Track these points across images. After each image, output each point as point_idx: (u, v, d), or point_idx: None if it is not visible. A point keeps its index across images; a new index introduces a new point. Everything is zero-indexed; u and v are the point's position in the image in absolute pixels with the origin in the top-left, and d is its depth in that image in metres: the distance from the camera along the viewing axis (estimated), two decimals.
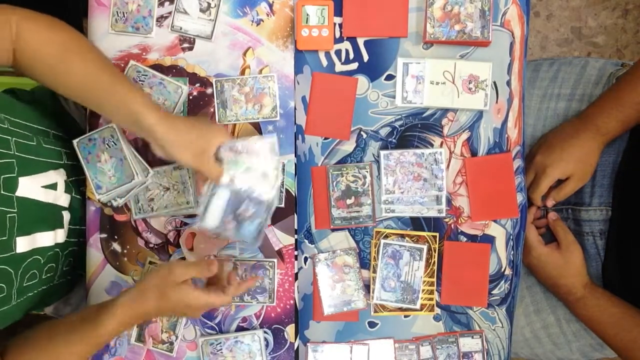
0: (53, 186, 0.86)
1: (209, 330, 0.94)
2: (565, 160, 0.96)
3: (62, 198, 0.88)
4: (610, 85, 1.01)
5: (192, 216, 0.93)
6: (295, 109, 0.94)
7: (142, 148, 0.93)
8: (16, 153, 0.79)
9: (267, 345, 0.94)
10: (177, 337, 0.93)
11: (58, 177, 0.88)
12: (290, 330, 0.94)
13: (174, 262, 0.91)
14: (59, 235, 0.88)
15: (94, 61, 0.81)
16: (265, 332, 0.94)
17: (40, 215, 0.84)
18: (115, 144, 0.89)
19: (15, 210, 0.78)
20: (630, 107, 0.92)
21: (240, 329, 0.94)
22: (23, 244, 0.80)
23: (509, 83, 0.94)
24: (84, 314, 0.82)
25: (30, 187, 0.81)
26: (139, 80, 0.92)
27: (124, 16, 0.92)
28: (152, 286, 0.79)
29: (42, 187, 0.84)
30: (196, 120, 0.86)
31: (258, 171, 0.86)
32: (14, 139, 0.79)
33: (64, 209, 0.90)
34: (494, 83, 0.93)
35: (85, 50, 0.81)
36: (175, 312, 0.82)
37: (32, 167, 0.82)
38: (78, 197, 0.93)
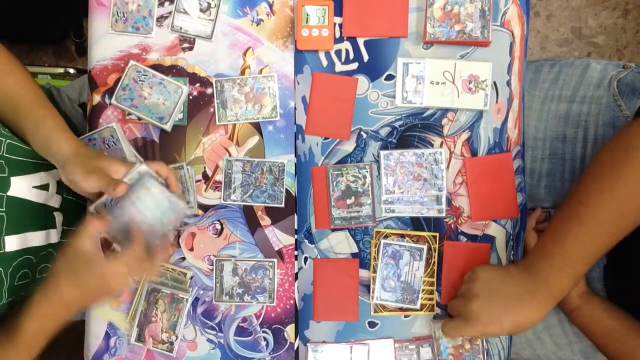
0: (45, 187, 0.87)
1: (209, 330, 0.94)
2: (502, 324, 0.82)
3: (53, 199, 0.89)
4: (612, 88, 1.01)
5: (193, 216, 0.93)
6: (295, 109, 0.94)
7: (142, 148, 0.93)
8: (5, 154, 0.80)
9: (267, 346, 0.94)
10: (177, 337, 0.93)
11: (50, 178, 0.88)
12: (290, 330, 0.94)
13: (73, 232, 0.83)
14: (51, 236, 0.89)
15: (18, 79, 0.82)
16: (264, 331, 0.94)
17: (31, 215, 0.85)
18: (115, 144, 0.89)
19: (4, 209, 0.79)
20: (580, 263, 0.79)
21: (240, 329, 0.94)
22: (12, 243, 0.80)
23: (509, 83, 0.94)
24: (9, 322, 0.78)
25: (22, 187, 0.82)
26: (139, 80, 0.92)
27: (124, 16, 0.92)
28: (60, 267, 0.76)
29: (34, 187, 0.84)
30: (102, 153, 0.85)
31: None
32: (6, 140, 0.80)
33: (56, 209, 0.90)
34: (494, 83, 0.93)
35: (9, 70, 0.82)
36: (97, 290, 0.78)
37: (23, 168, 0.83)
38: (71, 198, 0.93)
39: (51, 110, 0.84)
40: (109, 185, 0.78)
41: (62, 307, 0.77)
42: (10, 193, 0.79)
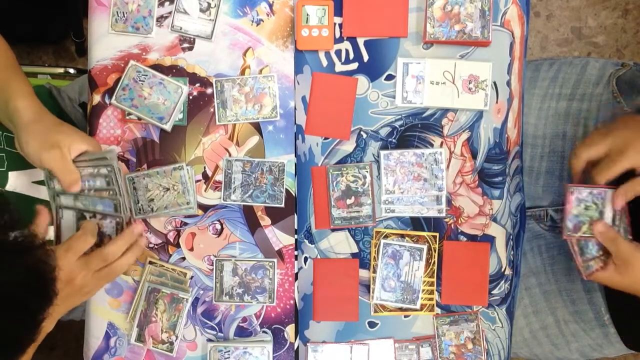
0: (44, 182, 0.86)
1: (209, 330, 0.94)
2: None
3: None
4: (611, 85, 1.01)
5: (192, 216, 0.93)
6: (295, 109, 0.94)
7: (142, 148, 0.93)
8: (6, 148, 0.79)
9: None
10: (177, 337, 0.93)
11: None
12: (290, 330, 0.94)
13: None
14: (50, 232, 0.88)
15: None
16: (264, 331, 0.94)
17: (30, 210, 0.84)
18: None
19: None
20: None
21: (240, 329, 0.94)
22: None
23: (509, 83, 0.94)
24: None
25: (20, 182, 0.81)
26: (139, 81, 0.92)
27: (124, 16, 0.92)
28: None
29: (33, 182, 0.84)
30: (66, 124, 0.79)
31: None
32: (4, 133, 0.79)
33: None
34: (494, 83, 0.93)
35: None
36: (63, 297, 0.74)
37: (23, 163, 0.82)
38: None
39: (18, 74, 0.79)
40: (64, 176, 0.74)
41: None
42: (7, 188, 0.78)
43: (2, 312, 0.50)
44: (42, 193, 0.86)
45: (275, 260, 0.93)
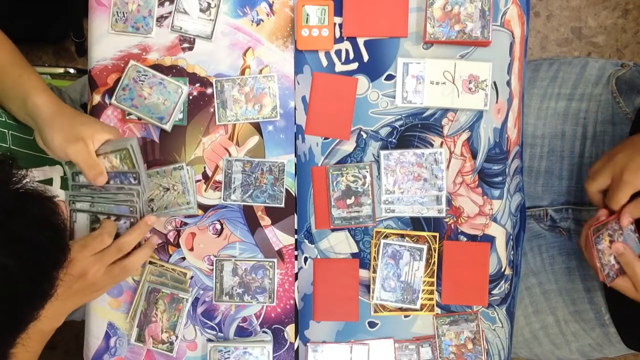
0: (49, 182, 0.86)
1: (209, 330, 0.94)
2: None
3: (57, 194, 0.88)
4: (610, 85, 1.01)
5: (192, 216, 0.93)
6: (295, 109, 0.94)
7: (142, 148, 0.93)
8: (12, 147, 0.79)
9: None
10: (177, 337, 0.93)
11: (54, 173, 0.88)
12: (290, 330, 0.94)
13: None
14: None
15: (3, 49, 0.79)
16: (264, 331, 0.94)
17: None
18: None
19: None
20: None
21: (240, 329, 0.94)
22: None
23: (509, 83, 0.94)
24: None
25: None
26: (139, 81, 0.92)
27: (124, 16, 0.92)
28: None
29: (38, 181, 0.84)
30: (86, 115, 0.81)
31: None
32: (10, 132, 0.79)
33: None
34: (494, 83, 0.93)
35: None
36: (74, 291, 0.76)
37: (27, 161, 0.82)
38: None
39: (29, 69, 0.80)
40: (89, 169, 0.75)
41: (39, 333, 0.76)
42: None
43: (24, 255, 0.51)
44: (48, 192, 0.86)
45: (275, 260, 0.93)
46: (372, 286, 0.94)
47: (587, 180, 0.89)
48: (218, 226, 0.94)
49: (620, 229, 0.85)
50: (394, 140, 0.94)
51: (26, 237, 0.52)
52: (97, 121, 0.82)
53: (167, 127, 0.92)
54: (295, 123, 0.94)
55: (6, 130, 0.79)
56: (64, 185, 0.90)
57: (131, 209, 0.80)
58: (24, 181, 0.54)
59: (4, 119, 0.79)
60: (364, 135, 0.94)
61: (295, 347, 0.95)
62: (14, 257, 0.50)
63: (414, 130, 0.94)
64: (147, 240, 0.90)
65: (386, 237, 0.94)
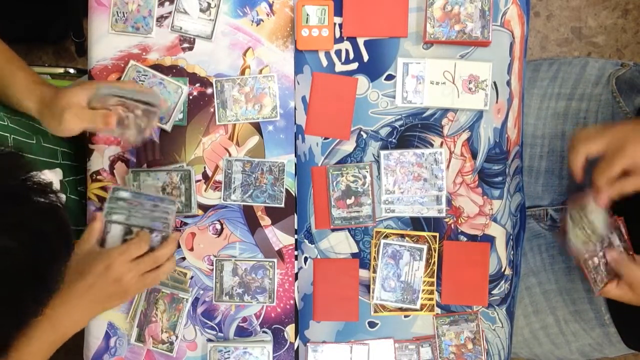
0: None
1: (209, 330, 0.94)
2: None
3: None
4: (610, 85, 1.01)
5: (192, 216, 0.93)
6: (295, 109, 0.94)
7: (142, 148, 0.93)
8: (13, 151, 0.79)
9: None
10: (177, 337, 0.93)
11: (53, 176, 0.88)
12: (290, 330, 0.94)
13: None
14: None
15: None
16: (264, 331, 0.94)
17: None
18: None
19: None
20: None
21: (240, 329, 0.94)
22: None
23: (509, 83, 0.94)
24: None
25: None
26: (139, 81, 0.92)
27: (124, 16, 0.92)
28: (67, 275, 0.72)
29: None
30: (62, 89, 0.83)
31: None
32: (12, 135, 0.80)
33: None
34: (494, 83, 0.93)
35: None
36: (107, 286, 0.78)
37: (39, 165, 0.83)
38: (74, 197, 0.93)
39: (21, 65, 0.84)
40: (92, 124, 0.80)
41: (56, 329, 0.77)
42: None
43: (31, 241, 0.53)
44: (54, 187, 0.86)
45: (275, 260, 0.93)
46: (372, 286, 0.94)
47: (577, 140, 0.81)
48: (218, 226, 0.94)
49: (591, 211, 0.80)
50: (394, 140, 0.94)
51: (31, 224, 0.53)
52: (69, 89, 0.83)
53: (167, 127, 0.92)
54: (295, 123, 0.94)
55: (8, 135, 0.80)
56: (63, 189, 0.90)
57: (164, 224, 0.83)
58: (32, 173, 0.56)
59: (5, 123, 0.80)
60: (364, 135, 0.94)
61: (295, 347, 0.95)
62: (18, 241, 0.51)
63: (414, 130, 0.94)
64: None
65: (386, 237, 0.94)
